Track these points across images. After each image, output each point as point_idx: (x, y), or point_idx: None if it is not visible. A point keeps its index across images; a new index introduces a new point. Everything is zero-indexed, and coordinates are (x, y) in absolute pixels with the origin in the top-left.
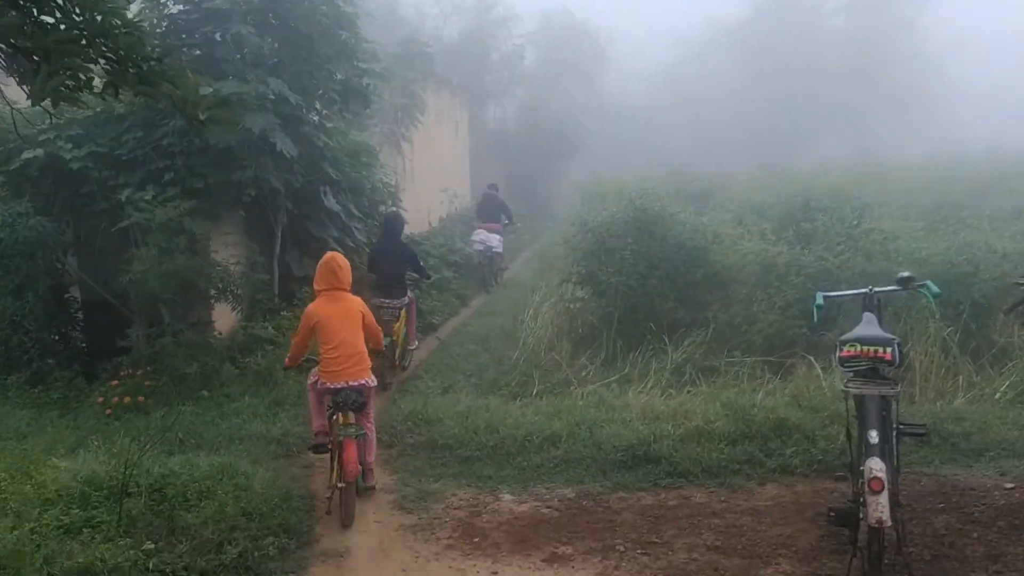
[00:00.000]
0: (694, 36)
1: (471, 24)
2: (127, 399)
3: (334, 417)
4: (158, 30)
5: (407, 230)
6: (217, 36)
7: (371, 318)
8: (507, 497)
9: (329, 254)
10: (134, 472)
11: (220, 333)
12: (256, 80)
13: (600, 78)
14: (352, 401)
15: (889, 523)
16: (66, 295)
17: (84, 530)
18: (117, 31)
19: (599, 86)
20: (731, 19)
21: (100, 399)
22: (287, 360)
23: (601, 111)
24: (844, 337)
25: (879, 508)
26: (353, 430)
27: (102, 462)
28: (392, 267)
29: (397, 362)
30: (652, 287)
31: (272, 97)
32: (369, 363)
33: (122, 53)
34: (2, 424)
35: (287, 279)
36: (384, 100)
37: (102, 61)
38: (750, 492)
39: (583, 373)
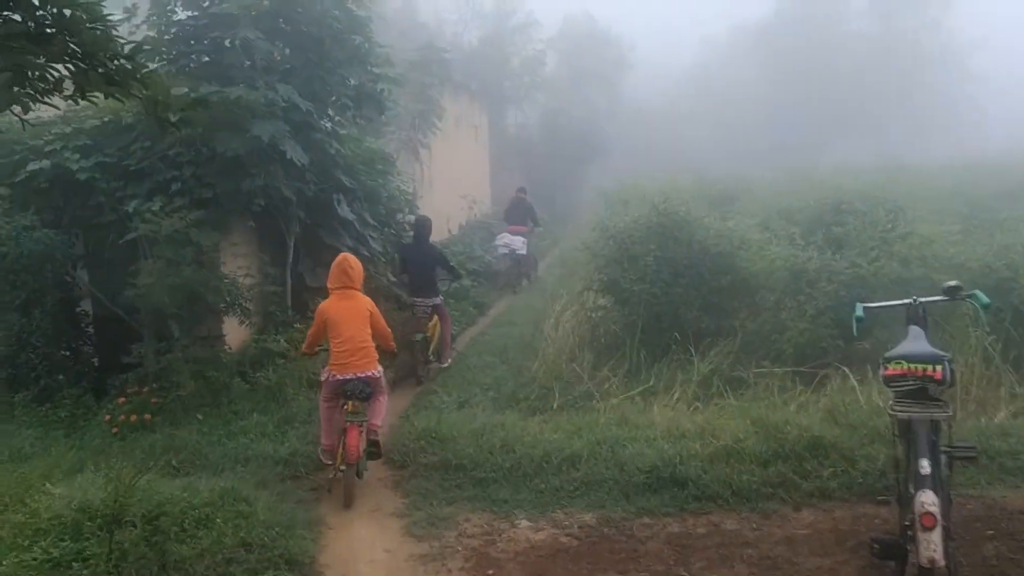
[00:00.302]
0: (716, 40)
1: (490, 30)
2: (133, 417)
3: (344, 405)
4: (166, 37)
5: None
6: (227, 43)
7: (379, 317)
8: (524, 523)
9: (342, 255)
10: (129, 499)
11: (230, 348)
12: (265, 86)
13: (622, 83)
14: (359, 391)
15: (942, 563)
16: (78, 309)
17: (73, 564)
18: (83, 26)
19: (621, 91)
20: (753, 23)
21: (107, 417)
22: (303, 347)
23: (623, 116)
24: (889, 354)
25: (931, 547)
26: (357, 418)
27: (99, 487)
28: (423, 268)
29: (431, 357)
30: (677, 295)
31: (283, 104)
32: (376, 356)
33: (87, 50)
34: (6, 445)
35: (300, 290)
36: (401, 106)
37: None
38: (785, 518)
39: (605, 385)
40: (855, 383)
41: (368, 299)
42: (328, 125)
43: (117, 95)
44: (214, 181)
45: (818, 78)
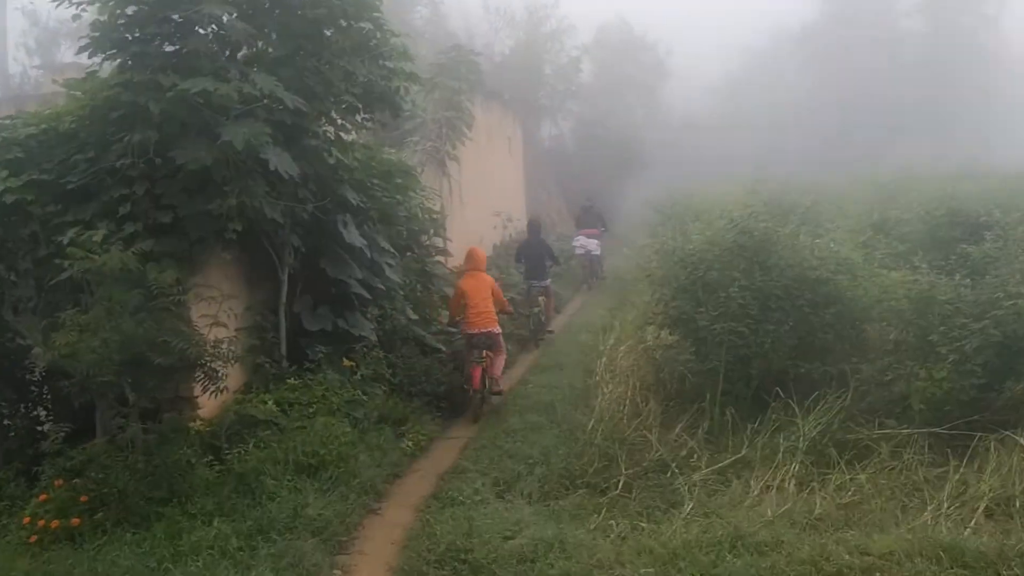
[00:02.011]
0: (759, 45)
1: (523, 38)
2: (55, 523)
3: (473, 352)
4: (120, 21)
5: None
6: (199, 28)
7: (499, 291)
8: None
9: (470, 247)
10: None
11: (197, 419)
12: (241, 78)
13: (661, 90)
14: (482, 342)
15: None
16: (26, 361)
17: None
18: None
19: (660, 98)
20: (797, 26)
21: (26, 519)
22: (450, 317)
23: (663, 125)
24: None
25: None
26: (481, 361)
27: None
28: (536, 258)
29: (543, 325)
30: (768, 334)
31: (264, 101)
32: (495, 318)
33: None
34: None
35: (297, 334)
36: (426, 111)
37: None
38: None
39: (683, 452)
40: None
41: (491, 278)
42: (330, 130)
43: None
44: (175, 201)
45: (870, 80)
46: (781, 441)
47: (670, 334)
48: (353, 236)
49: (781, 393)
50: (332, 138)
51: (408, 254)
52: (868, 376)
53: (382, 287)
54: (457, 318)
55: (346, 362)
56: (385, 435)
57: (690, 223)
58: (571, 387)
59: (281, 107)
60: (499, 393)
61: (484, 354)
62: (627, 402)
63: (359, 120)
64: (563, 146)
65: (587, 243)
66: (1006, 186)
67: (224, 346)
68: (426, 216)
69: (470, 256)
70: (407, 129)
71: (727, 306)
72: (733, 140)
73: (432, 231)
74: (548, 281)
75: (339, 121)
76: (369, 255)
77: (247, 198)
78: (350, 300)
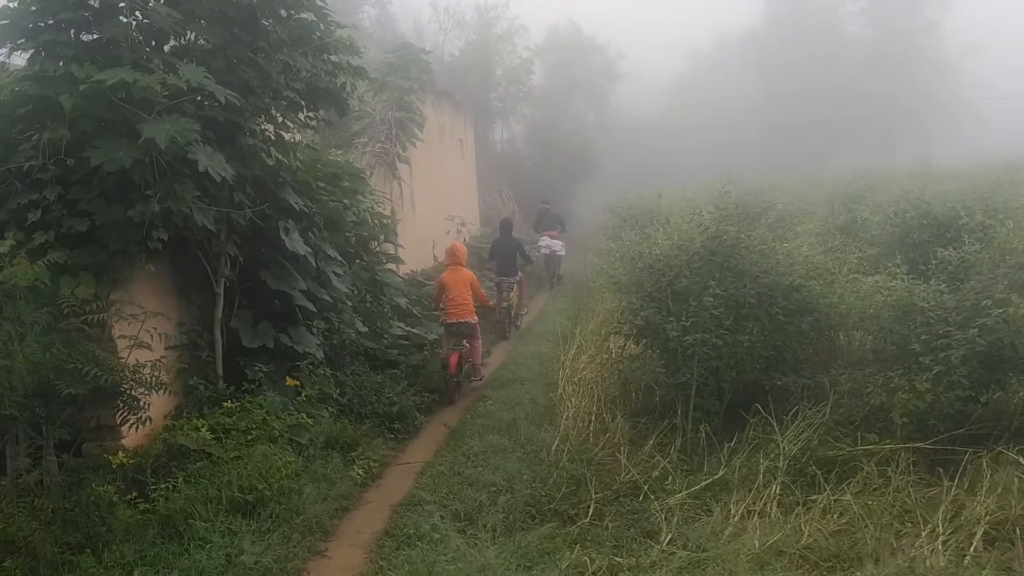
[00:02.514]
0: (705, 49)
1: (473, 39)
2: None
3: (451, 339)
4: (32, 8)
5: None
6: (122, 17)
7: (477, 285)
8: None
9: (452, 244)
10: None
11: (120, 451)
12: (164, 68)
13: (611, 93)
14: (461, 331)
15: None
16: None
17: None
18: None
19: (612, 102)
20: (742, 29)
21: None
22: (434, 305)
23: (615, 127)
24: None
25: None
26: (457, 348)
27: None
28: (507, 255)
29: (513, 319)
30: (741, 345)
31: (194, 95)
32: (473, 309)
33: None
34: None
35: (235, 351)
36: (375, 112)
37: None
38: None
39: (655, 473)
40: None
41: (470, 272)
42: (269, 128)
43: None
44: (92, 207)
45: (815, 84)
46: (760, 460)
47: (636, 344)
48: (296, 244)
49: (761, 409)
50: (272, 138)
51: (357, 262)
52: (846, 388)
53: (329, 298)
54: (440, 306)
55: (289, 381)
56: (333, 463)
57: (650, 226)
58: (533, 402)
59: (213, 102)
60: (480, 379)
61: (462, 342)
62: (593, 418)
63: (302, 118)
64: (516, 149)
65: (552, 244)
66: (972, 187)
67: (146, 371)
68: (376, 221)
69: (450, 252)
70: (355, 130)
71: (699, 315)
72: (684, 143)
73: (382, 237)
74: (520, 275)
75: (280, 119)
76: (314, 264)
77: (173, 203)
78: (293, 313)
